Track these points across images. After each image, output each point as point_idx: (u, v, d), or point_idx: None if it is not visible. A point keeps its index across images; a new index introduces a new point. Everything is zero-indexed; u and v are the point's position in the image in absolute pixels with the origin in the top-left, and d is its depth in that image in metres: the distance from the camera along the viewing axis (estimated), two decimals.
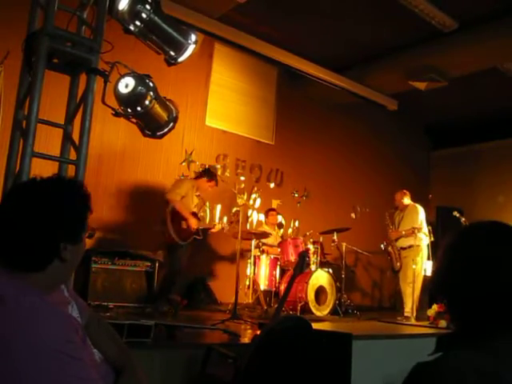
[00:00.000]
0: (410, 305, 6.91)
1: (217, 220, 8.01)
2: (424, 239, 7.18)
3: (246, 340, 4.22)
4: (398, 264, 7.27)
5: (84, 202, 1.56)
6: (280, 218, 8.17)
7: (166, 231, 5.99)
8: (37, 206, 1.45)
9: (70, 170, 3.31)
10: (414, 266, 7.02)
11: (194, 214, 6.26)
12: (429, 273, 7.02)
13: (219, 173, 6.78)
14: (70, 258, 1.50)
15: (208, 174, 6.53)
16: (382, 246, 7.46)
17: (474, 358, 1.12)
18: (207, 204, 7.48)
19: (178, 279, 6.15)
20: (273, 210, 7.98)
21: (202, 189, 6.51)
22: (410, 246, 7.15)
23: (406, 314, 6.96)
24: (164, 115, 3.81)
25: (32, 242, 1.43)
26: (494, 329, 1.19)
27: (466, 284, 1.22)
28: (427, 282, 7.11)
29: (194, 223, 6.12)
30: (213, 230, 6.70)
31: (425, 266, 7.08)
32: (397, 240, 7.32)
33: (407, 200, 7.52)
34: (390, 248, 7.38)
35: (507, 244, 1.24)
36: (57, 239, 1.46)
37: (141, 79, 3.59)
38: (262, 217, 8.12)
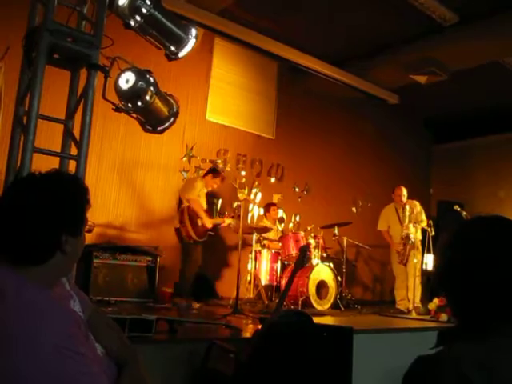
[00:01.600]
0: (419, 296, 6.98)
1: (218, 215, 8.03)
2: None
3: (247, 334, 4.23)
4: (405, 258, 7.26)
5: (83, 194, 1.57)
6: (281, 213, 8.18)
7: (183, 229, 6.31)
8: (38, 200, 1.46)
9: (71, 166, 3.32)
10: (415, 260, 7.10)
11: (207, 212, 6.53)
12: (430, 267, 7.03)
13: (220, 167, 6.81)
14: (71, 251, 1.51)
15: (213, 171, 6.78)
16: (405, 233, 7.36)
17: (474, 352, 1.13)
18: (218, 201, 7.56)
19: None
20: (274, 204, 7.97)
21: (207, 185, 6.76)
22: (414, 240, 7.21)
23: (416, 305, 6.93)
24: (165, 110, 3.81)
25: (35, 236, 1.44)
26: (495, 323, 1.19)
27: (467, 279, 1.23)
28: (428, 276, 7.15)
29: (208, 223, 6.46)
30: (223, 225, 6.89)
31: (426, 259, 7.10)
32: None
33: (406, 195, 7.57)
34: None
35: (507, 238, 1.24)
36: (58, 232, 1.47)
37: (141, 74, 3.58)
38: (262, 211, 8.12)
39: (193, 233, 6.28)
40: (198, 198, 6.46)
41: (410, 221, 7.29)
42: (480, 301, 1.21)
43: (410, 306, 6.92)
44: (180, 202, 6.74)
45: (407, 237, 7.24)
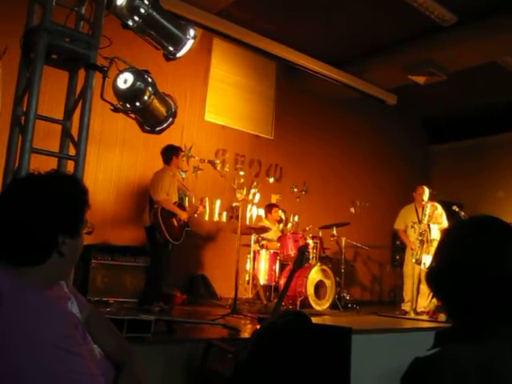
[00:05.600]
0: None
1: (216, 216, 8.03)
2: None
3: (245, 335, 4.23)
4: (420, 256, 7.11)
5: (82, 195, 1.57)
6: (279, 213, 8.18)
7: (160, 233, 5.77)
8: (35, 200, 1.46)
9: (69, 166, 3.32)
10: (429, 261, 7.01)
11: (180, 205, 6.12)
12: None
13: (218, 168, 6.72)
14: (69, 253, 1.50)
15: (172, 150, 6.16)
16: (423, 229, 7.26)
17: (472, 353, 1.13)
18: (206, 199, 7.49)
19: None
20: (276, 206, 7.94)
21: (179, 168, 6.41)
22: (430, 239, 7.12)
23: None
24: (163, 110, 3.81)
25: (31, 236, 1.43)
26: (493, 323, 1.19)
27: (463, 279, 1.23)
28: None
29: (184, 216, 6.01)
30: (199, 212, 6.68)
31: (424, 260, 7.07)
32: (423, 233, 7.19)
33: (428, 195, 7.48)
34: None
35: (501, 238, 1.25)
36: (55, 232, 1.46)
37: (139, 74, 3.58)
38: (261, 212, 8.13)
39: (169, 237, 5.78)
40: (168, 197, 5.90)
41: (430, 221, 7.23)
42: (476, 301, 1.21)
43: (419, 309, 6.84)
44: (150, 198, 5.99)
45: (423, 233, 7.11)
